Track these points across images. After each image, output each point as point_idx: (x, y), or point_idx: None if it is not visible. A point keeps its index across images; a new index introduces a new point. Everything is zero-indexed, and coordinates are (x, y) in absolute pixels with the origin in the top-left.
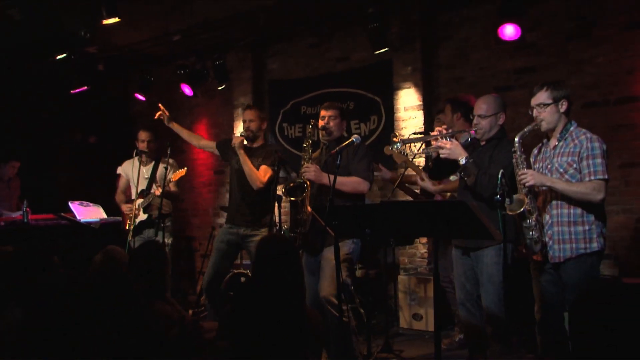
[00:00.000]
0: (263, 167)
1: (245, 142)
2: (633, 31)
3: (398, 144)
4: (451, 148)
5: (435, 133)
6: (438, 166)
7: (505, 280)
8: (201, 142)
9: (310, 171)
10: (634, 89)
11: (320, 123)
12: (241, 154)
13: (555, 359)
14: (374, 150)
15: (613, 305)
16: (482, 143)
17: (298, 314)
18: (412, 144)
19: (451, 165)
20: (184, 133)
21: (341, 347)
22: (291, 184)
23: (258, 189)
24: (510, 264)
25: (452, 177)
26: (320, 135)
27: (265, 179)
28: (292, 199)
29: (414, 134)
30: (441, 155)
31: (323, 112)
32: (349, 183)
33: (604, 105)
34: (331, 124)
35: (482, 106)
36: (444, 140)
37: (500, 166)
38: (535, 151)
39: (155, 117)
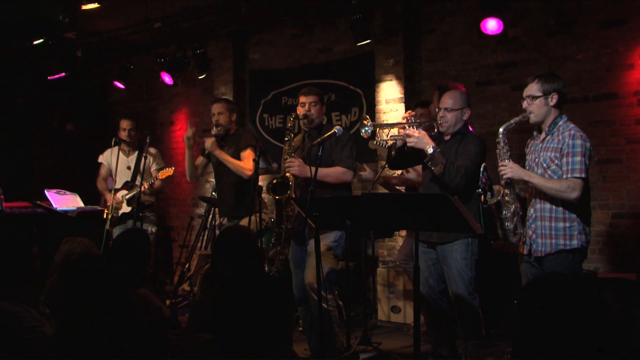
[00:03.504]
0: (244, 155)
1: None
2: (612, 29)
3: (368, 127)
4: (418, 137)
5: (402, 120)
6: (401, 155)
7: (477, 273)
8: (198, 171)
9: (294, 166)
10: (613, 86)
11: (300, 110)
12: (218, 154)
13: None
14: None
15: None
16: (447, 137)
17: (255, 306)
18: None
19: (414, 156)
20: (188, 162)
21: (324, 336)
22: (274, 181)
23: (248, 177)
24: (478, 257)
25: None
26: (302, 124)
27: (251, 164)
28: (277, 197)
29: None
30: (408, 144)
31: (302, 99)
32: (333, 174)
33: (583, 102)
34: (312, 110)
35: (449, 100)
36: (412, 129)
37: (468, 159)
38: (529, 142)
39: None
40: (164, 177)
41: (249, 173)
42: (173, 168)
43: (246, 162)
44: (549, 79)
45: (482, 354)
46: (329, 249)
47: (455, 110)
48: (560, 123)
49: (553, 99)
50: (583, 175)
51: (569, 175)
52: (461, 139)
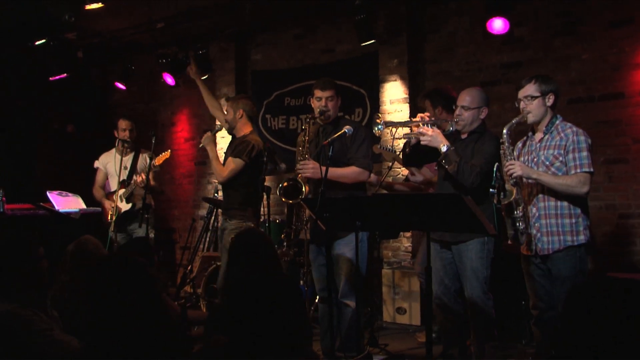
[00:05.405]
0: (228, 160)
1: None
2: (618, 29)
3: (380, 126)
4: (432, 135)
5: (417, 119)
6: (415, 153)
7: (492, 273)
8: (217, 112)
9: (307, 169)
10: (619, 86)
11: (316, 104)
12: (209, 150)
13: (555, 353)
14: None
15: (608, 300)
16: (463, 136)
17: (271, 308)
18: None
19: (428, 154)
20: (205, 92)
21: (335, 338)
22: (285, 184)
23: (221, 183)
24: (494, 256)
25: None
26: (318, 120)
27: (226, 172)
28: (290, 201)
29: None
30: (422, 142)
31: (318, 93)
32: (349, 175)
33: (589, 102)
34: (329, 105)
35: (466, 98)
36: (426, 127)
37: (483, 158)
38: (519, 144)
39: (187, 72)
40: (160, 162)
41: (220, 179)
42: (169, 150)
43: (225, 167)
44: (545, 80)
45: (502, 356)
46: (349, 260)
47: (473, 109)
48: (557, 122)
49: (550, 100)
50: (591, 170)
51: (578, 170)
52: (478, 138)
